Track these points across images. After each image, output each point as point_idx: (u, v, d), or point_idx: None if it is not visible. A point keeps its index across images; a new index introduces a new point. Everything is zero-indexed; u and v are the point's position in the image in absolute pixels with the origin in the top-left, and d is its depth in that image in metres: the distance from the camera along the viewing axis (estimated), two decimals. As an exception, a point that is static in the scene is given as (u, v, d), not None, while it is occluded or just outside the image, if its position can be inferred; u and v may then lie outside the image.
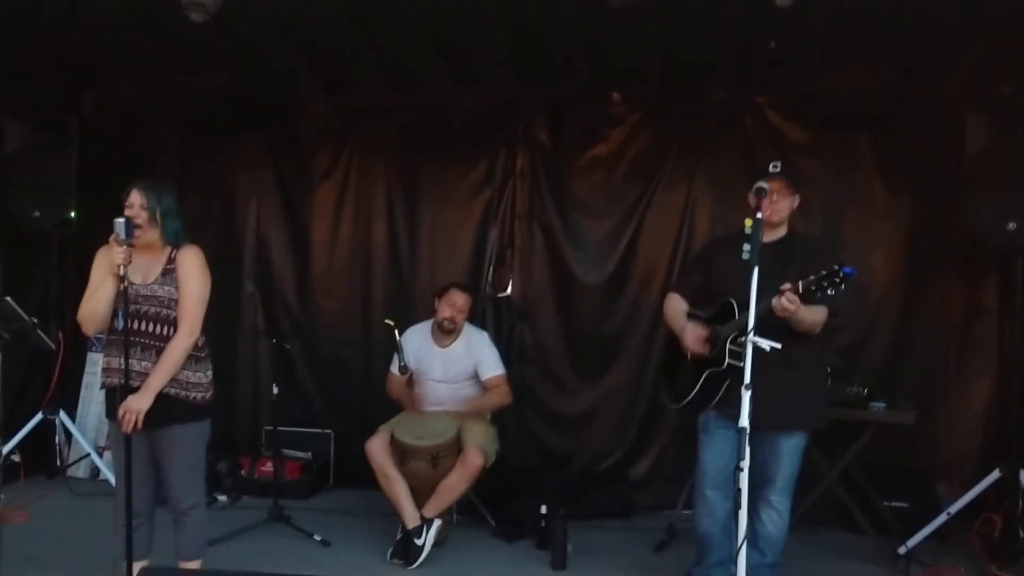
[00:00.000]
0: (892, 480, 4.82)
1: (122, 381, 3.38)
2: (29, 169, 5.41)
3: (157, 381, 3.38)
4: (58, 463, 5.66)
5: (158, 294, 3.46)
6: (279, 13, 4.52)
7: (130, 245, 3.32)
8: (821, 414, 3.84)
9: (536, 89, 5.46)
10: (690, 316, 3.85)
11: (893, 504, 4.73)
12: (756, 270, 3.02)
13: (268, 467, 5.31)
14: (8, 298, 3.88)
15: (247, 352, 5.87)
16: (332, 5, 4.42)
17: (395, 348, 4.71)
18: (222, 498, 5.30)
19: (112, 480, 4.93)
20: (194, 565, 3.59)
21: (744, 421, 2.89)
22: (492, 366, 4.82)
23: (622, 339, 5.48)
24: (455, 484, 4.44)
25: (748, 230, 3.08)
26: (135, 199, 3.45)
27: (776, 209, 3.64)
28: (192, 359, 3.48)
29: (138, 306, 3.44)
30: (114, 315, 3.44)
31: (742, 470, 2.87)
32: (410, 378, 4.90)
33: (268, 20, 4.59)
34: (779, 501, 3.70)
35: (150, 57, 5.09)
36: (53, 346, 4.63)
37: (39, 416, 5.42)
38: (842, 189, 5.20)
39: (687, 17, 4.36)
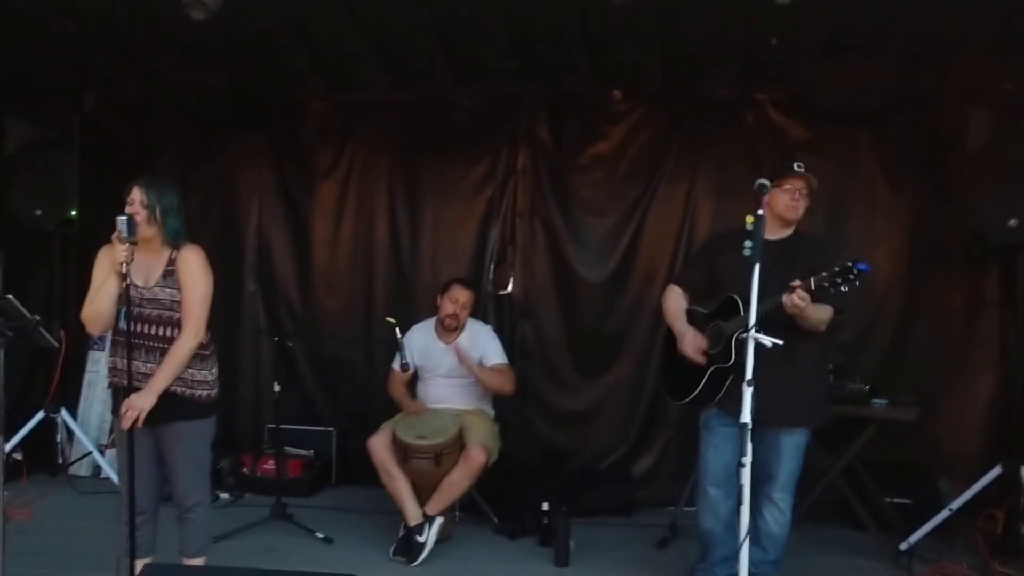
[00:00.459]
0: (894, 476, 4.83)
1: (126, 381, 3.37)
2: (31, 168, 5.42)
3: (161, 382, 3.38)
4: (60, 461, 5.67)
5: (159, 296, 3.46)
6: (280, 11, 4.52)
7: (133, 243, 3.31)
8: (823, 411, 3.82)
9: (537, 87, 5.45)
10: (690, 311, 3.84)
11: (895, 500, 4.74)
12: (757, 267, 3.00)
13: (270, 465, 5.32)
14: (10, 296, 3.87)
15: (249, 350, 5.87)
16: (333, 3, 4.42)
17: (397, 346, 4.71)
18: (224, 496, 5.31)
19: (114, 478, 4.96)
20: (198, 562, 3.59)
21: (746, 417, 2.88)
22: (496, 356, 4.82)
23: (624, 336, 5.48)
24: (457, 481, 4.45)
25: (750, 227, 3.07)
26: (135, 196, 3.44)
27: (797, 207, 3.64)
28: (197, 357, 3.48)
29: (140, 309, 3.44)
30: (118, 315, 3.43)
31: (744, 466, 2.87)
32: (409, 382, 4.90)
33: (269, 18, 4.59)
34: (781, 498, 3.69)
35: (152, 56, 5.09)
36: (55, 344, 4.60)
37: (41, 414, 5.43)
38: (844, 186, 5.18)
39: (688, 14, 4.36)
